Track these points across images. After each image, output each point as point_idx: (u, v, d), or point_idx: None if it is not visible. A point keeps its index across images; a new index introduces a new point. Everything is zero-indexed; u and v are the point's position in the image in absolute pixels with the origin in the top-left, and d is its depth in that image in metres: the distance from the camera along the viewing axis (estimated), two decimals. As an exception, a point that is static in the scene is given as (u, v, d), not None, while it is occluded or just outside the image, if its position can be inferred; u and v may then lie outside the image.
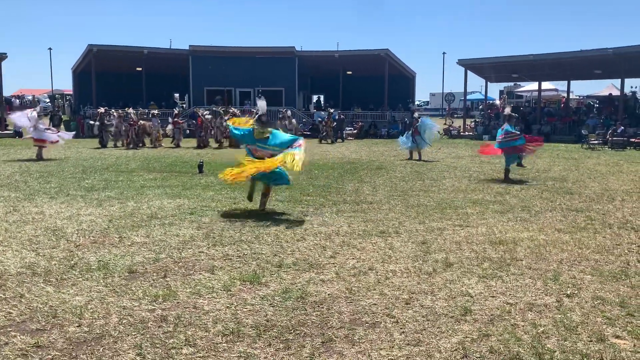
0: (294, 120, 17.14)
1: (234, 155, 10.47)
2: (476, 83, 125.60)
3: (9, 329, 3.73)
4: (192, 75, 33.06)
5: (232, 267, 5.23)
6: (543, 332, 3.78)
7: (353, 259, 5.57)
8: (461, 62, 31.00)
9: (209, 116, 22.89)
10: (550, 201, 9.13)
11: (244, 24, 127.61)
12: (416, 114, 19.71)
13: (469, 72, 31.53)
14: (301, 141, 8.02)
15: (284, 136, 8.33)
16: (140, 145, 21.50)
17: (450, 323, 3.92)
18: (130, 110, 23.21)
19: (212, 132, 22.56)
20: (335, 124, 25.50)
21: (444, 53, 52.51)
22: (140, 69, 33.64)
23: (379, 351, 3.48)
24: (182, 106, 33.80)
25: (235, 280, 4.81)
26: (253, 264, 5.33)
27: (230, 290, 4.57)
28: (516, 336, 3.70)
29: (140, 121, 22.02)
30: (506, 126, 12.23)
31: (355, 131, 28.99)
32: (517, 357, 3.40)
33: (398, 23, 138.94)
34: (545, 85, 33.82)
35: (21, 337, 3.60)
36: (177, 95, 35.07)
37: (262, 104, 8.43)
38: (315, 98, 41.89)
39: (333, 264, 5.37)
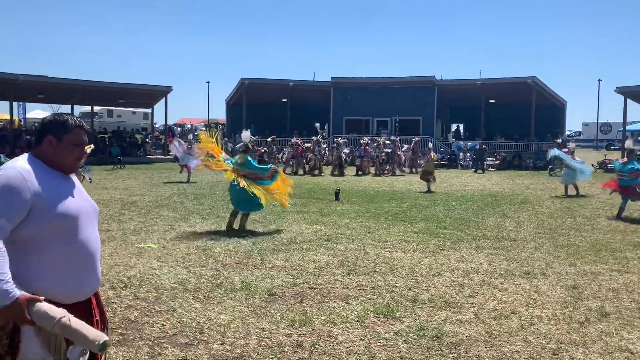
0: (433, 153, 16.85)
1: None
2: (637, 112, 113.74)
3: (162, 341, 4.07)
4: (332, 105, 34.24)
5: (366, 298, 5.21)
6: None
7: (494, 300, 5.24)
8: (620, 90, 28.33)
9: (308, 144, 23.87)
10: None
11: (384, 55, 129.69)
12: (572, 145, 18.26)
13: (629, 100, 28.70)
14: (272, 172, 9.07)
15: (254, 162, 9.26)
16: (303, 172, 22.91)
17: (607, 382, 3.49)
18: (298, 140, 24.80)
19: (308, 159, 23.50)
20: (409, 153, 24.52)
21: (599, 80, 48.42)
22: (285, 100, 35.68)
23: (522, 405, 3.20)
24: (323, 135, 35.03)
25: (369, 312, 4.78)
26: (387, 297, 5.26)
27: (364, 322, 4.54)
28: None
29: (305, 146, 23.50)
30: (629, 163, 10.90)
31: (497, 162, 27.71)
32: None
33: (546, 49, 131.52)
34: None
35: (172, 349, 3.91)
36: (318, 124, 36.45)
37: (245, 135, 9.52)
38: (454, 127, 40.94)
39: (472, 303, 5.11)
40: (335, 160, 23.18)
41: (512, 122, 33.26)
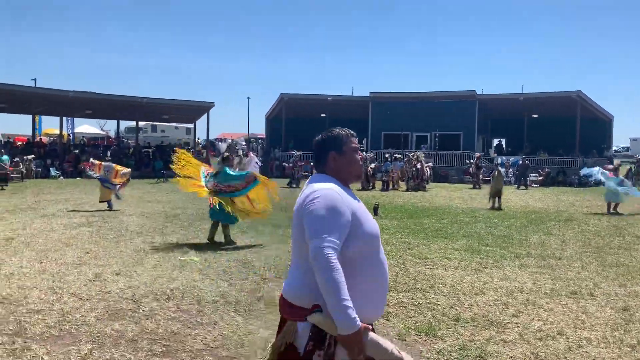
0: (499, 169, 16.60)
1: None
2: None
3: (204, 353, 4.12)
4: (371, 120, 34.24)
5: (406, 316, 5.14)
6: None
7: (539, 320, 5.09)
8: (671, 103, 27.31)
9: None
10: None
11: (423, 69, 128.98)
12: (617, 162, 17.69)
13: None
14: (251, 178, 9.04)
15: (231, 171, 9.12)
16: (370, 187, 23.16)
17: (662, 411, 3.33)
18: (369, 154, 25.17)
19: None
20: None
21: (648, 93, 46.70)
22: (324, 114, 35.87)
23: None
24: (362, 149, 35.06)
25: (410, 330, 4.72)
26: (428, 315, 5.18)
27: (405, 340, 4.48)
28: None
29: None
30: None
31: (540, 178, 27.06)
32: None
33: (592, 62, 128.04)
34: None
35: (214, 361, 3.95)
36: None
37: (223, 146, 9.28)
38: (495, 142, 40.25)
39: (516, 323, 4.97)
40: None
41: (556, 137, 32.47)
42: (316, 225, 2.09)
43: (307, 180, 2.41)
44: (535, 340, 4.52)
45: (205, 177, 9.25)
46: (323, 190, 2.18)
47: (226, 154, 9.63)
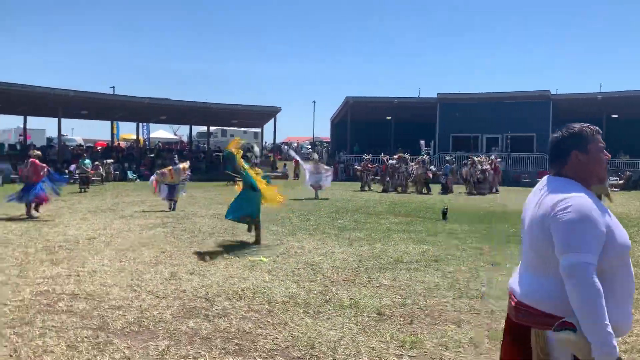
0: None
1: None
2: None
3: (275, 353, 4.17)
4: (439, 122, 33.61)
5: (479, 323, 4.99)
6: None
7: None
8: None
9: (393, 161, 23.53)
10: None
11: (493, 69, 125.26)
12: None
13: None
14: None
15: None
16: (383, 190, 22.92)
17: None
18: (426, 157, 25.00)
19: (397, 177, 23.35)
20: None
21: None
22: (389, 117, 35.60)
23: None
24: (428, 152, 34.50)
25: (483, 338, 4.57)
26: (502, 322, 4.99)
27: (478, 347, 4.35)
28: None
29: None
30: None
31: (621, 181, 25.56)
32: None
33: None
34: None
35: (285, 362, 4.00)
36: (422, 142, 35.92)
37: (256, 150, 10.25)
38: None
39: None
40: (418, 178, 22.80)
41: (638, 139, 30.56)
42: (570, 239, 1.94)
43: (543, 183, 2.23)
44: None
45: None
46: (576, 199, 2.01)
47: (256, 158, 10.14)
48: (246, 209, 9.23)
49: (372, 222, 12.18)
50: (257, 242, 9.13)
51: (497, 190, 22.92)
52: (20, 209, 12.67)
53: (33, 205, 12.41)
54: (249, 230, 9.63)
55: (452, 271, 7.13)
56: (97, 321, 4.85)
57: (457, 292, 6.04)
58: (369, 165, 24.36)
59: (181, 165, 15.03)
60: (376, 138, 36.57)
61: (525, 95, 31.73)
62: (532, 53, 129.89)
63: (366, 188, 23.41)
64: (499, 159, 25.18)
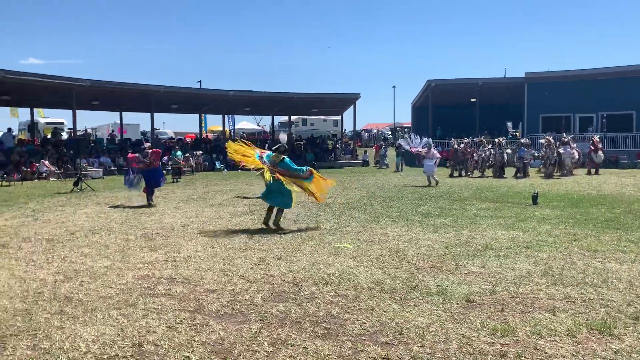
0: None
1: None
2: None
3: (364, 338, 4.22)
4: (527, 102, 32.10)
5: (576, 311, 4.75)
6: None
7: None
8: None
9: (462, 145, 22.81)
10: None
11: (584, 45, 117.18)
12: None
13: None
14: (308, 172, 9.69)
15: (292, 163, 9.72)
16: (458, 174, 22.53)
17: None
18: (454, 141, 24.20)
19: (472, 161, 22.64)
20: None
21: None
22: (474, 99, 34.41)
23: None
24: (515, 134, 33.03)
25: (580, 327, 4.35)
26: (602, 311, 4.73)
27: (576, 337, 4.15)
28: None
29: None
30: None
31: None
32: None
33: None
34: None
35: (374, 347, 4.03)
36: (509, 123, 34.42)
37: (283, 137, 11.11)
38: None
39: None
40: (496, 161, 21.81)
41: None
42: None
43: None
44: None
45: (260, 157, 9.87)
46: None
47: (285, 145, 10.10)
48: (278, 200, 9.54)
49: (457, 208, 11.90)
50: (278, 227, 9.37)
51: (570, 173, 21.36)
52: (118, 199, 13.53)
53: (153, 194, 13.44)
54: (269, 215, 9.63)
55: (545, 258, 6.83)
56: (194, 304, 5.13)
57: (551, 280, 5.79)
58: (468, 149, 23.19)
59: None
60: (459, 121, 35.50)
61: (622, 70, 29.47)
62: (624, 26, 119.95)
63: (463, 173, 22.70)
64: (597, 137, 23.75)
